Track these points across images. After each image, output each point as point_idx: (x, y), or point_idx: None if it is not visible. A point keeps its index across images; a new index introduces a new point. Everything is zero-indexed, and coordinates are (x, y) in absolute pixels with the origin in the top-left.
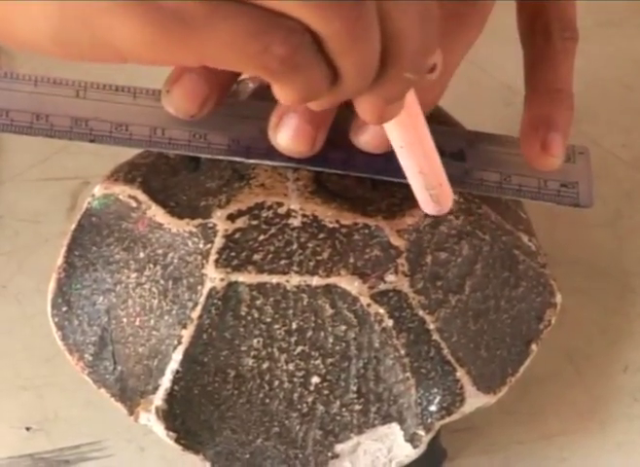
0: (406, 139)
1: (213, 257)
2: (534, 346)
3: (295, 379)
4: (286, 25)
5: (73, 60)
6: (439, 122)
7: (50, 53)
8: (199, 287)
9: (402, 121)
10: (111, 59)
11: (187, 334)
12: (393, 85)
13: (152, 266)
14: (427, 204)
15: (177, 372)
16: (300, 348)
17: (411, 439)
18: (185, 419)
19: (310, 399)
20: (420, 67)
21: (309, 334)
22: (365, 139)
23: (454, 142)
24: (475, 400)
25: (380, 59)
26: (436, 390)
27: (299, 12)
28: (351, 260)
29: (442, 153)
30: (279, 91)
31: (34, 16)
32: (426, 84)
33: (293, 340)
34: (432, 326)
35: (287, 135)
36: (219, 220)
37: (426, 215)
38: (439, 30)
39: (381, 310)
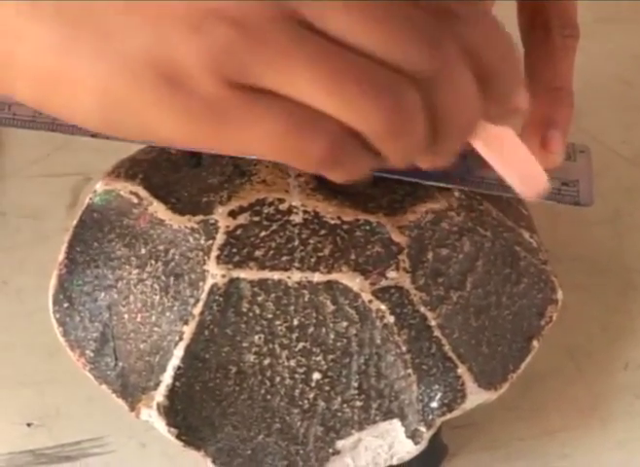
0: (504, 163)
1: (214, 253)
2: (535, 343)
3: (296, 376)
4: (324, 126)
5: (124, 140)
6: None
7: (99, 131)
8: (201, 283)
9: (498, 148)
10: (158, 142)
11: (188, 330)
12: (447, 150)
13: (153, 262)
14: (524, 186)
15: (178, 368)
16: (301, 345)
17: (413, 435)
18: (186, 415)
19: (311, 395)
20: (471, 130)
21: (311, 330)
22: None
23: None
24: (476, 396)
25: (432, 134)
26: (437, 386)
27: (337, 112)
28: (352, 256)
29: None
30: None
31: (82, 103)
32: (510, 122)
33: (294, 336)
34: (433, 322)
35: None
36: (220, 216)
37: (427, 211)
38: (507, 82)
39: (383, 307)
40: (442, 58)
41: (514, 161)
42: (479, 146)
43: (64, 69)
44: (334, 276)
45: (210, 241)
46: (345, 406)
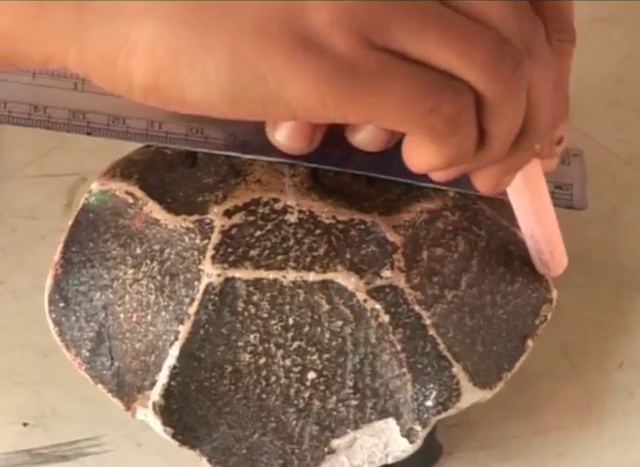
0: (519, 204)
1: (210, 253)
2: (530, 342)
3: (291, 375)
4: (455, 86)
5: (240, 118)
6: None
7: (220, 113)
8: (196, 283)
9: (517, 186)
10: (281, 116)
11: (184, 329)
12: (523, 154)
13: (149, 262)
14: (544, 264)
15: (174, 367)
16: (296, 344)
17: (408, 434)
18: (182, 415)
19: (307, 394)
20: (550, 138)
21: (306, 329)
22: (360, 138)
23: None
24: (471, 395)
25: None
26: (432, 385)
27: (467, 72)
28: (347, 256)
29: None
30: (424, 154)
31: (206, 72)
32: (554, 156)
33: (289, 335)
34: (428, 321)
35: (285, 133)
36: (216, 216)
37: (422, 211)
38: (566, 101)
39: (378, 306)
40: (541, 34)
41: (543, 216)
42: (517, 179)
43: (190, 42)
44: (329, 276)
45: (205, 241)
46: (340, 405)
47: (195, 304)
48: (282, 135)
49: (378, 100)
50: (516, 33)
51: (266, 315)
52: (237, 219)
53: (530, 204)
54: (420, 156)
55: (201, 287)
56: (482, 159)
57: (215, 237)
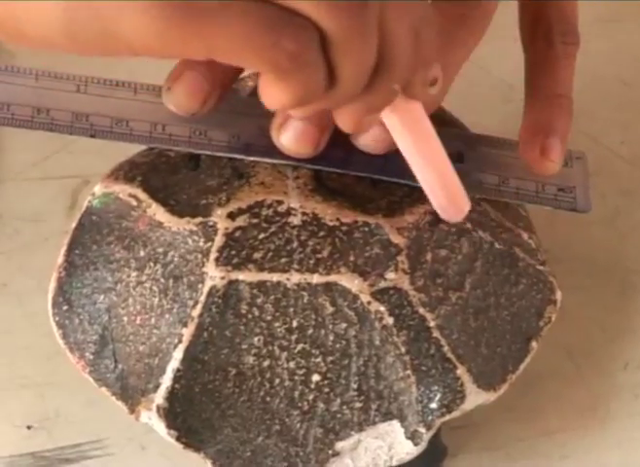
0: (404, 147)
1: (213, 255)
2: (534, 343)
3: (295, 377)
4: (297, 22)
5: (84, 55)
6: (442, 123)
7: (61, 49)
8: (200, 285)
9: (395, 128)
10: (121, 52)
11: (187, 332)
12: (380, 94)
13: (152, 264)
14: (443, 209)
15: (178, 370)
16: (300, 346)
17: (412, 436)
18: (186, 418)
19: (311, 397)
20: (422, 79)
21: (310, 332)
22: (364, 140)
23: (453, 144)
24: (475, 397)
25: (373, 67)
26: (436, 387)
27: (309, 8)
28: (351, 258)
29: None
30: (274, 93)
31: (44, 9)
32: (427, 98)
33: (293, 338)
34: (432, 323)
35: (291, 137)
36: (219, 218)
37: (426, 212)
38: (436, 45)
39: (382, 308)
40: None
41: (431, 159)
42: (395, 122)
43: None
44: (332, 278)
45: (209, 243)
46: (345, 407)
47: (199, 306)
48: (288, 139)
49: (218, 35)
50: None
51: (269, 318)
52: (241, 221)
53: (414, 147)
54: (270, 94)
55: (205, 290)
56: (335, 97)
57: (219, 240)
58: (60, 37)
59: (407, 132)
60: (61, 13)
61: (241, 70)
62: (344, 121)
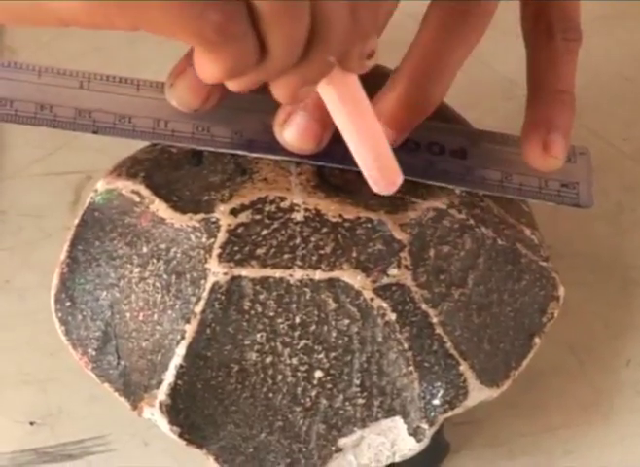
0: (339, 119)
1: (216, 251)
2: (537, 340)
3: (298, 374)
4: None
5: (16, 25)
6: (444, 119)
7: None
8: (203, 282)
9: (331, 100)
10: (52, 23)
11: (190, 328)
12: (314, 66)
13: (155, 260)
14: (375, 182)
15: (181, 366)
16: (303, 342)
17: (415, 432)
18: (188, 414)
19: (314, 393)
20: (358, 51)
21: (313, 328)
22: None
23: (456, 140)
24: (478, 393)
25: (307, 39)
26: (439, 384)
27: None
28: (354, 254)
29: (442, 150)
30: (205, 65)
31: None
32: (363, 70)
33: (296, 334)
34: (435, 320)
35: (294, 133)
36: (222, 214)
37: (428, 209)
38: (379, 18)
39: (384, 304)
40: None
41: (365, 131)
42: (330, 93)
43: None
44: (335, 274)
45: (212, 240)
46: (347, 403)
47: (202, 302)
48: (291, 135)
49: (143, 8)
50: None
51: (272, 314)
52: (244, 218)
53: (349, 119)
54: (202, 66)
55: (208, 286)
56: (267, 69)
57: (221, 236)
58: None
59: (341, 104)
60: None
61: None
62: (279, 92)
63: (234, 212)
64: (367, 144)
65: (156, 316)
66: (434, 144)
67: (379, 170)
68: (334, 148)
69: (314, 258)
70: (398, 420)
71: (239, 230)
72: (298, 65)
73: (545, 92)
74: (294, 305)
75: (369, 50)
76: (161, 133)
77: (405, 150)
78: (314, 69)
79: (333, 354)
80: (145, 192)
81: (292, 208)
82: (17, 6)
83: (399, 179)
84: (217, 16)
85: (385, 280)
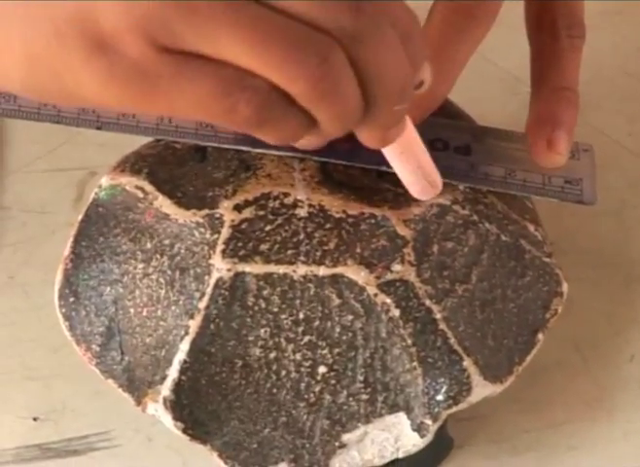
0: (402, 145)
1: (220, 247)
2: (540, 336)
3: (302, 369)
4: (252, 85)
5: (55, 104)
6: (448, 115)
7: (33, 98)
8: (206, 277)
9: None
10: (83, 106)
11: (194, 324)
12: (384, 118)
13: (159, 256)
14: (425, 191)
15: (184, 362)
16: (307, 338)
17: (419, 428)
18: (192, 410)
19: (317, 389)
20: (408, 96)
21: (316, 324)
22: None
23: (460, 136)
24: (481, 389)
25: (365, 98)
26: (443, 379)
27: (263, 71)
28: (358, 250)
29: (446, 146)
30: (258, 136)
31: (7, 68)
32: (415, 97)
33: (300, 329)
34: (439, 315)
35: None
36: (226, 210)
37: (432, 205)
38: (420, 49)
39: (388, 300)
40: (366, 17)
41: (413, 150)
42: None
43: None
44: (339, 270)
45: (215, 235)
46: (351, 399)
47: (206, 298)
48: None
49: (174, 101)
50: (327, 21)
51: (276, 310)
52: (247, 213)
53: (398, 150)
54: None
55: (212, 281)
56: (322, 135)
57: (225, 232)
58: (21, 89)
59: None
60: (21, 71)
61: None
62: (366, 140)
63: (238, 208)
64: (412, 158)
65: (159, 312)
66: (438, 140)
67: (424, 178)
68: (338, 144)
69: (318, 254)
70: (402, 416)
71: (243, 225)
72: (367, 120)
73: (549, 89)
74: (298, 301)
75: (418, 81)
76: (165, 129)
77: None
78: (386, 120)
79: (336, 350)
80: (149, 187)
81: (295, 204)
82: (47, 90)
83: (441, 183)
84: (247, 109)
85: (389, 276)
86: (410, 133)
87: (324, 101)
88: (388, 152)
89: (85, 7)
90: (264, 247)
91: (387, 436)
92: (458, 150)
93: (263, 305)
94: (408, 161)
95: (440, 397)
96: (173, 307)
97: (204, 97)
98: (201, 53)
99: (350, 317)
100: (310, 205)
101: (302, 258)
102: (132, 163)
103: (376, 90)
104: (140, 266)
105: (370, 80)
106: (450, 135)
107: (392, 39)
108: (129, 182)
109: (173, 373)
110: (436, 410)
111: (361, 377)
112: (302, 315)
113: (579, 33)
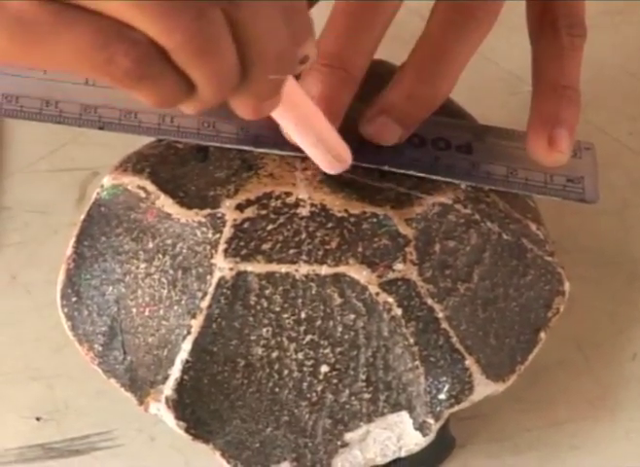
0: (297, 118)
1: (222, 247)
2: (543, 334)
3: (304, 368)
4: (130, 37)
5: None
6: (450, 114)
7: None
8: (208, 277)
9: (287, 104)
10: None
11: (196, 324)
12: (260, 86)
13: (161, 256)
14: (331, 165)
15: (187, 361)
16: (309, 337)
17: (421, 427)
18: (195, 409)
19: (320, 388)
20: (285, 67)
21: (318, 323)
22: (373, 131)
23: (462, 135)
24: (484, 388)
25: (242, 64)
26: (445, 378)
27: (141, 23)
28: (360, 249)
29: (448, 145)
30: (135, 94)
31: None
32: (294, 73)
33: (302, 329)
34: (441, 314)
35: None
36: (228, 210)
37: (434, 204)
38: (305, 25)
39: (390, 299)
40: None
41: (310, 122)
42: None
43: None
44: (341, 269)
45: (217, 235)
46: (353, 398)
47: (208, 297)
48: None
49: (55, 49)
50: None
51: (278, 309)
52: (249, 213)
53: (294, 120)
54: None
55: (214, 281)
56: (202, 99)
57: (227, 231)
58: None
59: (290, 110)
60: None
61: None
62: (239, 112)
63: (240, 207)
64: (318, 138)
65: (162, 311)
66: (440, 139)
67: (327, 152)
68: None
69: (320, 253)
70: (404, 415)
71: (245, 225)
72: (242, 87)
73: (549, 88)
74: (300, 300)
75: (302, 55)
76: (167, 129)
77: (410, 145)
78: (262, 89)
79: (338, 349)
80: (151, 187)
81: (297, 203)
82: None
83: (349, 156)
84: (125, 61)
85: (391, 275)
86: (306, 105)
87: (199, 58)
88: (283, 123)
89: None
90: (266, 246)
91: (389, 435)
92: (460, 149)
93: (265, 305)
94: (307, 133)
95: (442, 396)
96: (175, 307)
97: (83, 47)
98: (80, 3)
99: (352, 316)
100: (312, 205)
101: (303, 257)
102: (134, 163)
103: (252, 55)
104: (142, 265)
105: (246, 43)
106: (452, 134)
107: (271, 7)
108: (131, 182)
109: (175, 372)
110: (438, 408)
111: (363, 377)
112: (303, 314)
113: (580, 32)
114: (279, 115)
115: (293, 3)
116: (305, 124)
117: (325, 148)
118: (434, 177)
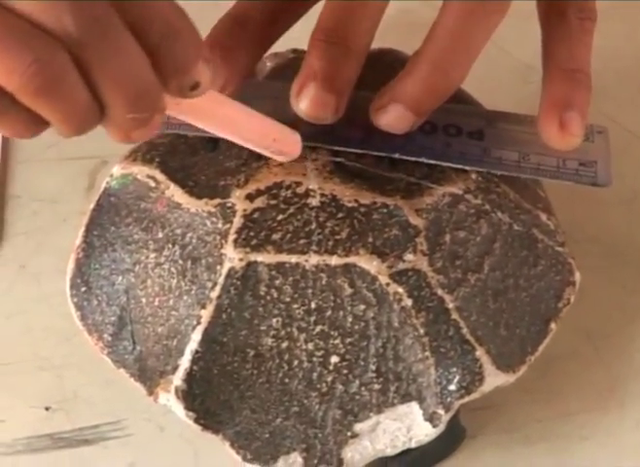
0: (215, 125)
1: (232, 237)
2: (553, 325)
3: (314, 359)
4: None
5: None
6: (459, 101)
7: None
8: (218, 267)
9: (201, 113)
10: None
11: (206, 314)
12: (122, 123)
13: (170, 246)
14: (283, 155)
15: (196, 352)
16: (319, 328)
17: (431, 418)
18: (204, 399)
19: (330, 378)
20: (147, 106)
21: (328, 313)
22: (386, 120)
23: (473, 121)
24: (494, 379)
25: (99, 103)
26: (455, 369)
27: None
28: (370, 239)
29: (460, 132)
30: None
31: None
32: (190, 97)
33: (312, 319)
34: (451, 305)
35: (308, 103)
36: (238, 200)
37: (444, 194)
38: (188, 51)
39: (400, 290)
40: (90, 20)
41: (229, 129)
42: (183, 117)
43: None
44: (351, 259)
45: (227, 225)
46: (363, 389)
47: (218, 288)
48: (305, 106)
49: None
50: (49, 23)
51: (288, 299)
52: (259, 203)
53: (220, 127)
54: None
55: (224, 271)
56: (60, 134)
57: (237, 221)
58: None
59: (206, 121)
60: None
61: (260, 57)
62: (113, 138)
63: (250, 197)
64: (234, 136)
65: (171, 301)
66: (451, 126)
67: (276, 142)
68: (350, 132)
69: (330, 243)
70: (414, 406)
71: (255, 215)
72: (106, 121)
73: (559, 71)
74: (310, 291)
75: (191, 83)
76: (176, 121)
77: (422, 132)
78: (127, 125)
79: (349, 340)
80: (160, 177)
81: (308, 193)
82: None
83: (298, 141)
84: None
85: (401, 265)
86: (226, 110)
87: (42, 99)
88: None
89: None
90: (276, 237)
91: (399, 426)
92: (471, 135)
93: (275, 295)
94: (232, 137)
95: (452, 387)
96: (185, 297)
97: None
98: None
99: (362, 307)
100: (322, 195)
101: (314, 247)
102: (144, 153)
103: (105, 97)
104: (152, 255)
105: (97, 84)
106: (463, 121)
107: (125, 43)
108: (141, 171)
109: (185, 362)
110: (448, 399)
111: (373, 367)
112: (314, 305)
113: (589, 15)
114: (195, 122)
115: (172, 29)
116: (227, 129)
117: (260, 146)
118: (445, 164)
